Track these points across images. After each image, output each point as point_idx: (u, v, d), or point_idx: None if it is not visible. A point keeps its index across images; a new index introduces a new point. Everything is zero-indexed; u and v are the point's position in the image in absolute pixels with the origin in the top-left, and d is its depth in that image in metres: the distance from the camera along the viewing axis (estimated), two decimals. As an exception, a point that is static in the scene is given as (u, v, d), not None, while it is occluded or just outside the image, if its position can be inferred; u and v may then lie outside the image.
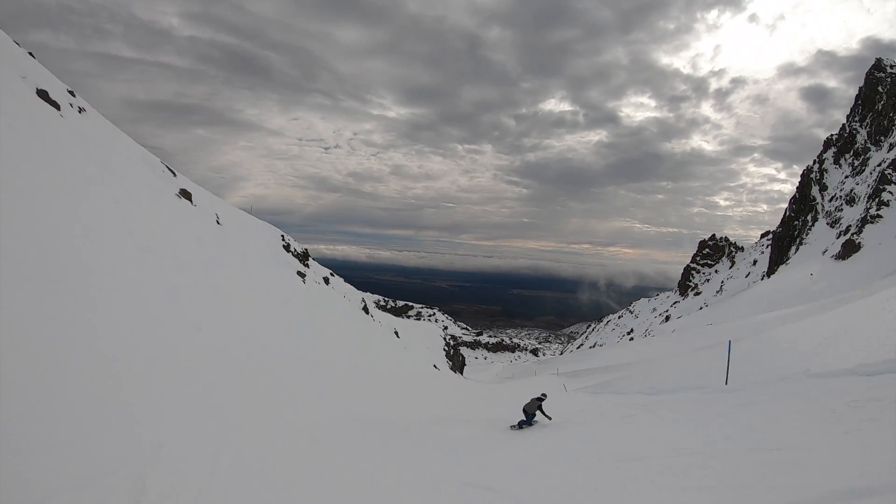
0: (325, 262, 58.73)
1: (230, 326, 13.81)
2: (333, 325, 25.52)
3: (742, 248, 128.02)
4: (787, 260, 69.99)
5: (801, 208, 73.20)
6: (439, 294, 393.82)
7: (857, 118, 72.02)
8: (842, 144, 72.84)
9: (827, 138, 76.31)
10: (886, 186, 57.55)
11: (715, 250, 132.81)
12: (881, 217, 55.39)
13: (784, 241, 74.38)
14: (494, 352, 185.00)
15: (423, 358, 44.22)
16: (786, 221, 76.62)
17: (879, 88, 68.69)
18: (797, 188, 77.19)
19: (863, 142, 69.11)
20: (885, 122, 66.65)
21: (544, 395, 14.86)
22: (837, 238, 60.75)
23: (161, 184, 21.44)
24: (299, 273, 29.93)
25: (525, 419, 14.07)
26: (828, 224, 66.23)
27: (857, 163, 68.42)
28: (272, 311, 19.19)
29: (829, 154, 74.17)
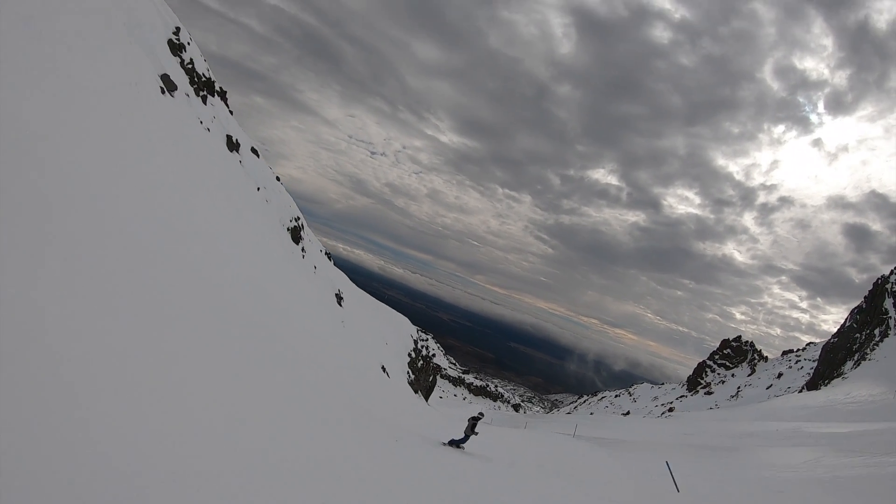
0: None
1: None
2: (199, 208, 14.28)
3: (766, 359, 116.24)
4: (841, 374, 59.43)
5: (868, 320, 62.87)
6: (439, 324, 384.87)
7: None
8: (933, 261, 63.10)
9: (914, 251, 66.77)
10: None
11: (737, 353, 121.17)
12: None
13: (839, 354, 63.83)
14: (476, 395, 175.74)
15: (370, 348, 33.68)
16: (844, 332, 66.19)
17: None
18: (865, 298, 67.03)
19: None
20: None
21: (482, 413, 15.63)
22: (919, 359, 50.64)
23: None
24: (165, 89, 17.58)
25: (458, 438, 14.01)
26: (903, 342, 56.05)
27: (949, 281, 58.70)
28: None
29: (913, 268, 64.40)
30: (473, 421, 14.03)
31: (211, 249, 13.04)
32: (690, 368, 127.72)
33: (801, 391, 67.82)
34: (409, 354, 46.72)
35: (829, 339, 71.38)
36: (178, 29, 21.70)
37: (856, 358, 60.14)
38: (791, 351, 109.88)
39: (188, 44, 22.18)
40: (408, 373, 44.95)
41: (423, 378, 52.54)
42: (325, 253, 43.65)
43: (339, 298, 33.89)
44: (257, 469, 5.38)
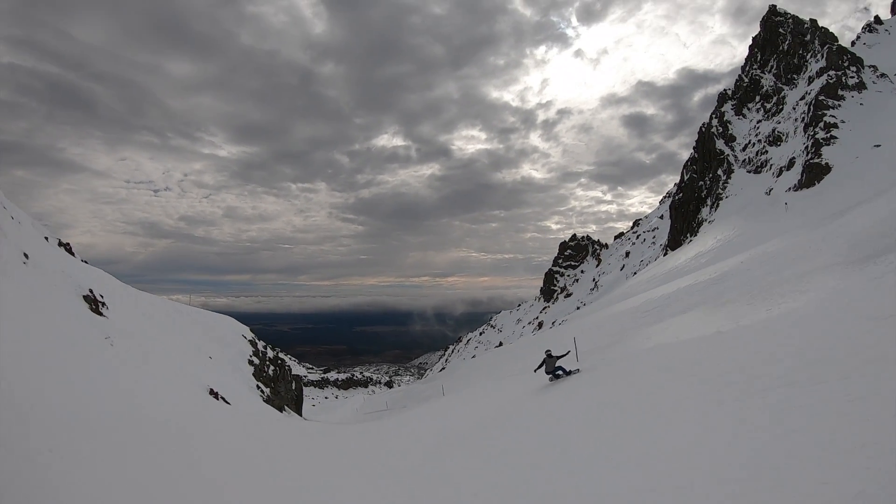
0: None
1: None
2: None
3: (606, 246, 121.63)
4: (703, 220, 58.85)
5: (707, 166, 63.73)
6: (282, 338, 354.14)
7: (756, 66, 66.62)
8: (742, 94, 66.33)
9: (721, 93, 70.70)
10: (825, 112, 48.76)
11: (578, 250, 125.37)
12: (836, 138, 45.80)
13: (689, 206, 63.87)
14: (345, 388, 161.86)
15: (179, 370, 19.95)
16: (686, 185, 66.90)
17: (781, 30, 65.85)
18: (694, 149, 68.72)
19: (771, 84, 62.67)
20: (796, 60, 61.91)
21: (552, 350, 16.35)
22: (778, 176, 50.68)
23: None
24: None
25: (556, 374, 15.54)
26: (749, 171, 56.86)
27: (768, 105, 61.48)
28: None
29: (728, 107, 66.95)
30: (555, 359, 15.83)
31: None
32: (529, 289, 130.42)
33: (665, 254, 67.47)
34: (250, 362, 31.35)
35: (674, 197, 72.51)
36: None
37: (709, 202, 60.16)
38: (622, 233, 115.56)
39: None
40: (258, 387, 29.88)
41: (284, 389, 37.37)
42: (61, 244, 25.96)
43: (96, 303, 17.88)
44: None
